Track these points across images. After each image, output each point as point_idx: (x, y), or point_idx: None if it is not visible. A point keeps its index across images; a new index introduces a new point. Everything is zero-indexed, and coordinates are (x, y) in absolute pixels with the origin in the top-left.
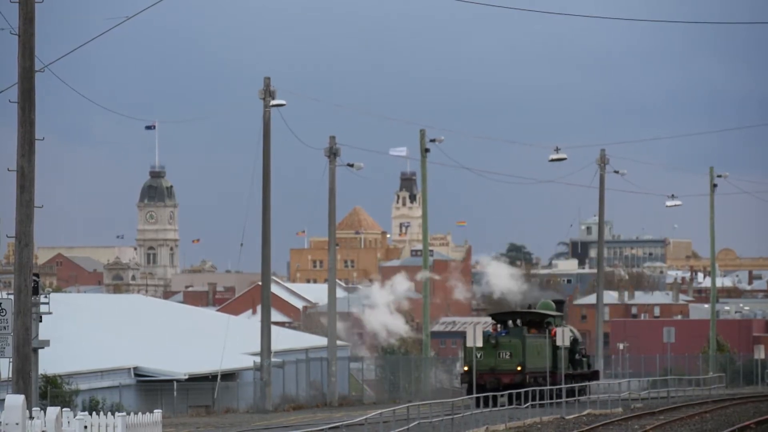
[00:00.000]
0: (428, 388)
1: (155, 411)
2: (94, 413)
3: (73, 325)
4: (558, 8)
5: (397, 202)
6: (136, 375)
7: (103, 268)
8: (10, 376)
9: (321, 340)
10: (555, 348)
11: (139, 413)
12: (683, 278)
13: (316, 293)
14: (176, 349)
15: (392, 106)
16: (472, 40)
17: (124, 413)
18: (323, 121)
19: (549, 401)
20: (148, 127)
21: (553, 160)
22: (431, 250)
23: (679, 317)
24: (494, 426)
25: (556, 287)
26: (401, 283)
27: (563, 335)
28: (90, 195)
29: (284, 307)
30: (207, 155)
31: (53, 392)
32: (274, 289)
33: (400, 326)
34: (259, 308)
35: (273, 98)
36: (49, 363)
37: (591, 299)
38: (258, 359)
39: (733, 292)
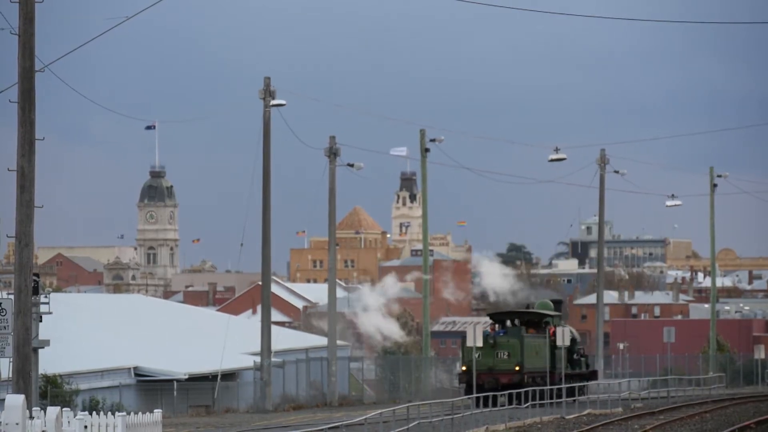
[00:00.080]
0: (428, 388)
1: (155, 411)
2: (94, 413)
3: (73, 325)
4: (558, 8)
5: (397, 202)
6: (136, 375)
7: (103, 268)
8: (11, 375)
9: (321, 340)
10: (553, 348)
11: (139, 413)
12: (683, 278)
13: (316, 293)
14: (176, 349)
15: (392, 106)
16: (472, 40)
17: (124, 413)
18: (323, 121)
19: (549, 401)
20: (148, 127)
21: (552, 160)
22: (431, 250)
23: (679, 317)
24: (494, 426)
25: (556, 287)
26: (392, 286)
27: (563, 335)
28: (90, 195)
29: (284, 307)
30: (207, 155)
31: (53, 392)
32: (274, 289)
33: (394, 330)
34: (259, 308)
35: (273, 98)
36: (49, 363)
37: (591, 299)
38: (258, 359)
39: (733, 292)
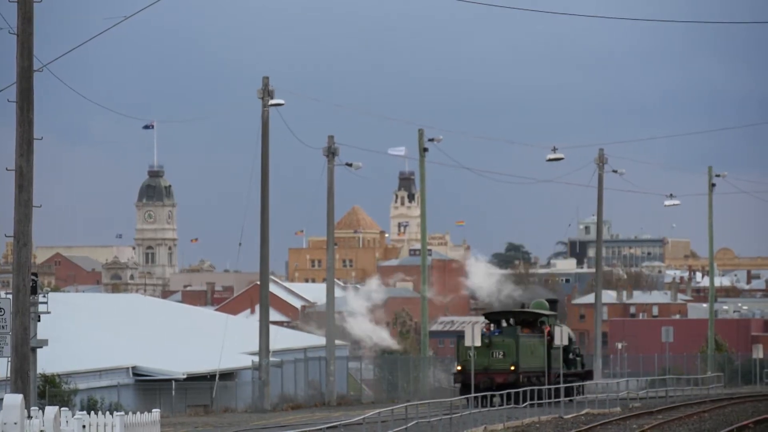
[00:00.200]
0: (426, 387)
1: (153, 410)
2: (92, 412)
3: (71, 324)
4: (559, 8)
5: (396, 201)
6: (135, 374)
7: (102, 268)
8: (9, 375)
9: (319, 340)
10: (549, 347)
11: (138, 413)
12: (681, 278)
13: (315, 293)
14: (175, 349)
15: (392, 106)
16: (472, 40)
17: (123, 413)
18: (322, 120)
19: (546, 401)
20: (146, 127)
21: (550, 160)
22: (430, 250)
23: (678, 317)
24: (492, 425)
25: (555, 287)
26: (377, 291)
27: (561, 335)
28: (88, 194)
29: (283, 306)
30: (206, 155)
31: (51, 392)
32: (273, 288)
33: (384, 337)
34: (257, 308)
35: (271, 98)
36: (47, 362)
37: (589, 299)
38: (256, 359)
39: (731, 292)
